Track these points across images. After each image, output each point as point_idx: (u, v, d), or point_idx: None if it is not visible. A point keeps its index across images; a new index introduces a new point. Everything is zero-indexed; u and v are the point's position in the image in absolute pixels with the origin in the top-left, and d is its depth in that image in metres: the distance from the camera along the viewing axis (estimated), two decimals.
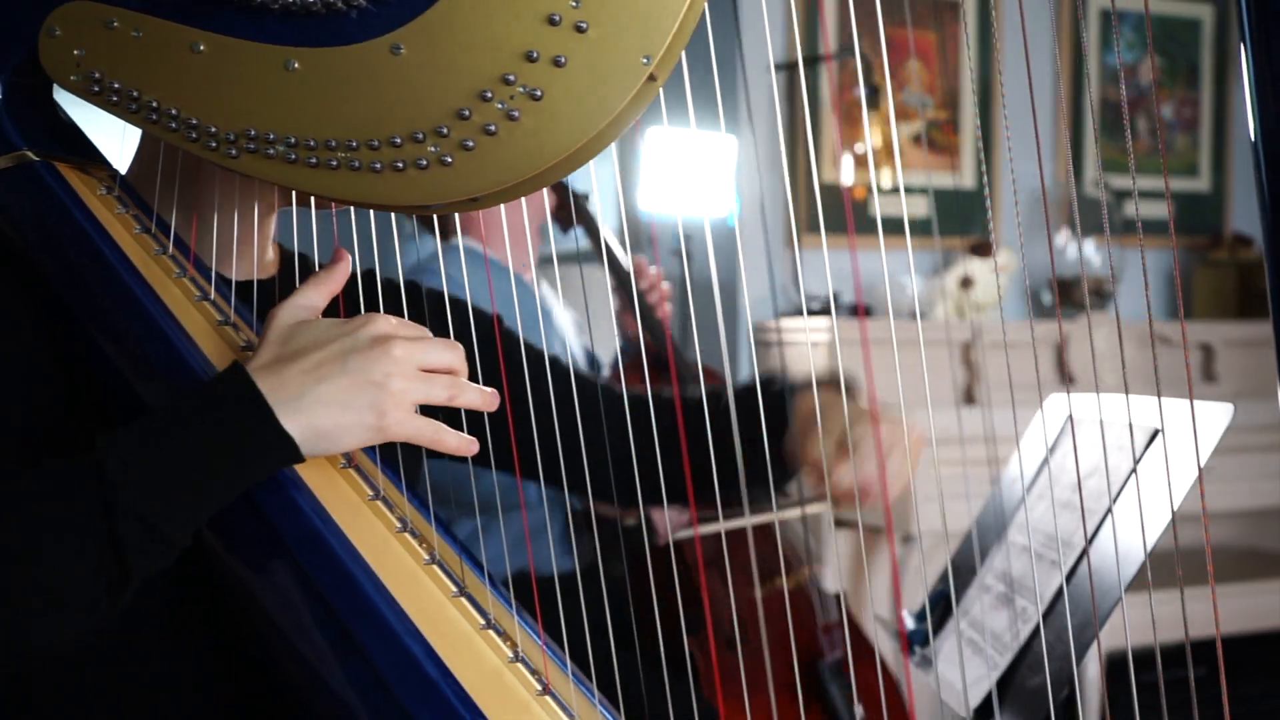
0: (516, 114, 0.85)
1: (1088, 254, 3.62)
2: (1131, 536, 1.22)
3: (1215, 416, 1.18)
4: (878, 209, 3.33)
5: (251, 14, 0.88)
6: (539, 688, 0.91)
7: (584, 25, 0.85)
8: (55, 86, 0.97)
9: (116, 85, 0.89)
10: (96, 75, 0.90)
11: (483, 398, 0.92)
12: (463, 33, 0.86)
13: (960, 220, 3.72)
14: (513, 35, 0.85)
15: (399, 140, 0.86)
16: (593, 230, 2.43)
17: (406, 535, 0.93)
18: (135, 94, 0.89)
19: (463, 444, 0.91)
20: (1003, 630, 1.35)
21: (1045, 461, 1.53)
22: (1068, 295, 3.57)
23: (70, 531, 0.79)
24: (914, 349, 3.10)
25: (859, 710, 2.11)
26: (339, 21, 0.87)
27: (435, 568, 0.92)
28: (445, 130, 0.86)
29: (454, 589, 0.92)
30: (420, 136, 0.86)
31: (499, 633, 0.92)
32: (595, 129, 0.85)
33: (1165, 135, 3.94)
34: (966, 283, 3.45)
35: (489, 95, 0.86)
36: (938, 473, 2.96)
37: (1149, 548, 1.19)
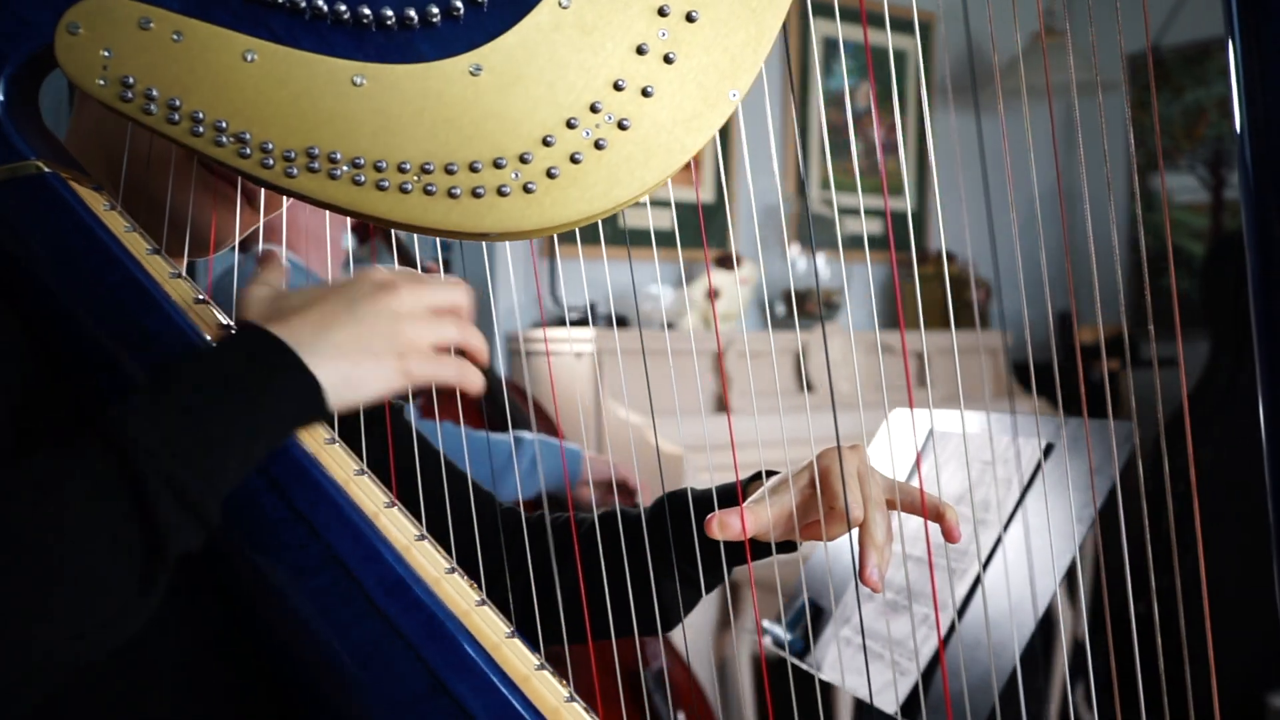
0: (604, 142, 0.83)
1: (816, 267, 3.83)
2: (1039, 548, 1.32)
3: (1119, 435, 1.30)
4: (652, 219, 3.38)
5: (311, 24, 0.81)
6: None
7: (673, 56, 0.84)
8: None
9: (153, 92, 0.80)
10: (129, 80, 0.80)
11: (482, 341, 0.87)
12: (548, 57, 0.83)
13: (701, 233, 3.84)
14: (600, 62, 0.83)
15: (479, 165, 0.83)
16: (390, 241, 2.37)
17: (456, 576, 0.88)
18: (175, 103, 0.81)
19: (479, 380, 0.86)
20: (905, 637, 1.43)
21: (913, 472, 1.62)
22: (801, 306, 3.76)
23: (93, 509, 0.69)
24: (667, 359, 3.18)
25: (680, 717, 2.16)
26: (410, 38, 0.83)
27: (486, 608, 0.89)
28: (529, 157, 0.83)
29: (506, 629, 0.89)
30: (502, 162, 0.83)
31: (552, 672, 0.90)
32: (679, 163, 0.85)
33: (880, 157, 4.22)
34: (713, 294, 3.57)
35: (575, 122, 0.83)
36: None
37: (1058, 564, 1.29)
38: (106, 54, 0.80)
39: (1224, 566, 3.63)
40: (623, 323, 3.51)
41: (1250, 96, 0.89)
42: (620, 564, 1.06)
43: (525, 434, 2.12)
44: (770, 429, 3.31)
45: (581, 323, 3.32)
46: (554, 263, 3.43)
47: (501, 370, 3.38)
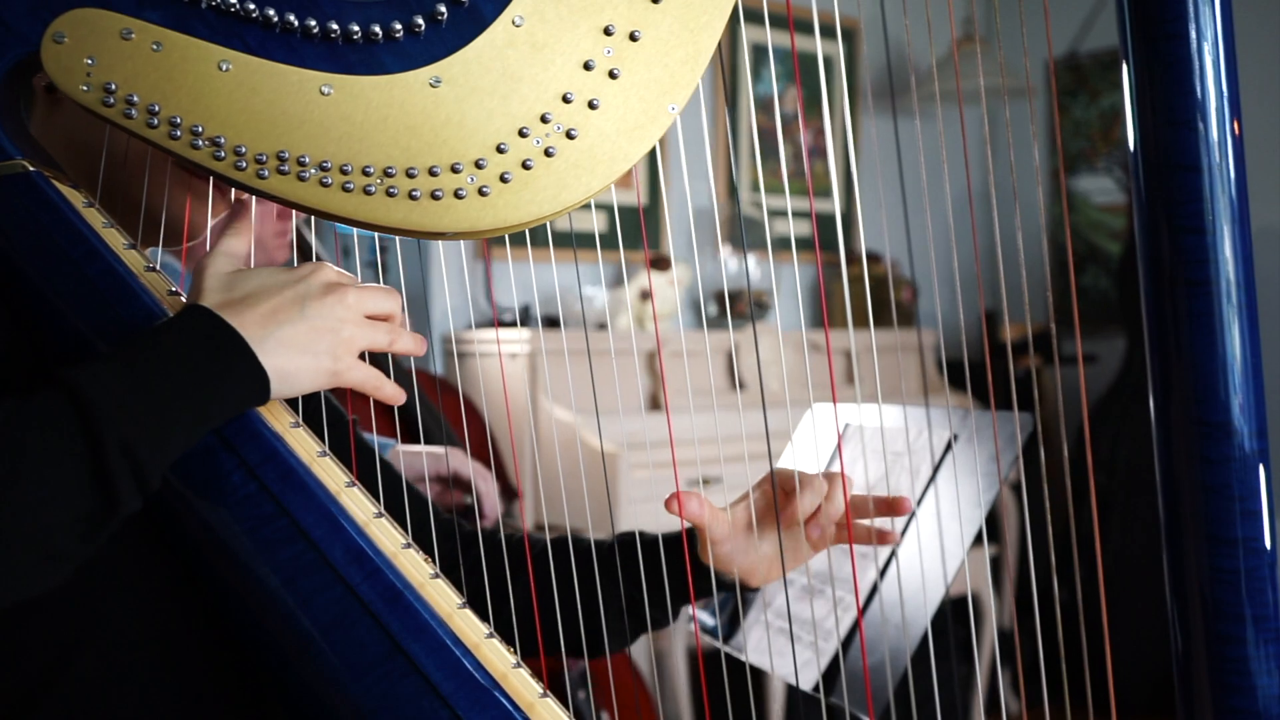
0: (554, 150, 0.91)
1: (747, 268, 3.92)
2: (945, 535, 1.41)
3: (1020, 426, 1.39)
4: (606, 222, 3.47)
5: (283, 37, 0.88)
6: (539, 690, 0.96)
7: (617, 72, 0.92)
8: None
9: (134, 98, 0.86)
10: (111, 86, 0.86)
11: (415, 342, 0.95)
12: (502, 70, 0.90)
13: (635, 235, 3.92)
14: (551, 76, 0.91)
15: (437, 170, 0.90)
16: (305, 249, 2.40)
17: (411, 551, 0.95)
18: (155, 108, 0.87)
19: (396, 393, 0.94)
20: (821, 619, 1.51)
21: (832, 461, 1.71)
22: (733, 307, 3.85)
23: (50, 451, 0.75)
24: (602, 359, 3.26)
25: (604, 716, 2.23)
26: (374, 51, 0.89)
27: (440, 581, 0.95)
28: (484, 162, 0.90)
29: (459, 601, 0.96)
30: (459, 167, 0.90)
31: (500, 641, 0.97)
32: (623, 170, 0.92)
33: (808, 160, 4.32)
34: (646, 295, 3.65)
35: (527, 131, 0.90)
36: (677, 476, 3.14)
37: (966, 548, 1.38)
38: (90, 62, 0.86)
39: (1142, 555, 3.78)
40: (557, 324, 3.58)
41: (1141, 111, 0.97)
42: (570, 586, 1.15)
43: None
44: (705, 427, 3.40)
45: (517, 324, 3.38)
46: (488, 265, 3.49)
47: (437, 369, 3.43)
